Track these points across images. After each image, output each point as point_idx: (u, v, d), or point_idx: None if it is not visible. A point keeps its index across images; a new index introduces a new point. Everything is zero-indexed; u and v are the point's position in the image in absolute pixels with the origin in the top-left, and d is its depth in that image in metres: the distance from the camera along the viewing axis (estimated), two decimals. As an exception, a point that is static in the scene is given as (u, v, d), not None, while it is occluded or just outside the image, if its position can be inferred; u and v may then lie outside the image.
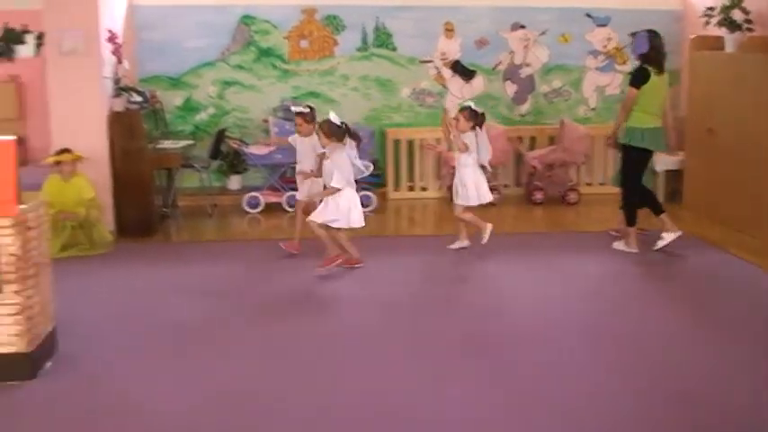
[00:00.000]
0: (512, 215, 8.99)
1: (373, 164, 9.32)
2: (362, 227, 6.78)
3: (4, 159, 4.51)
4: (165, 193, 8.71)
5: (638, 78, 7.00)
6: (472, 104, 7.23)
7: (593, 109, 10.23)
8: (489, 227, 7.29)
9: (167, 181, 8.78)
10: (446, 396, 4.40)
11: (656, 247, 7.14)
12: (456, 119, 7.23)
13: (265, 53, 9.64)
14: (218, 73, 9.61)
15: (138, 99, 8.14)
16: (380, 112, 9.87)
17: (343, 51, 9.74)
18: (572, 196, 9.47)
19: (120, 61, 8.04)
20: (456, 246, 7.37)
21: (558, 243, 7.70)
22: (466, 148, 7.13)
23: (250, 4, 9.53)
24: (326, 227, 6.66)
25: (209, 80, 9.60)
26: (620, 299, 6.08)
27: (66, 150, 7.31)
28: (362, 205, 8.79)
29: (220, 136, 9.09)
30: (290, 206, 9.00)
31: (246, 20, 9.56)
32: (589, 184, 9.98)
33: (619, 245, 7.31)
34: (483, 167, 7.30)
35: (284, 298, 6.14)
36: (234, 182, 9.61)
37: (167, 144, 8.55)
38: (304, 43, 9.68)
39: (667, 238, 7.14)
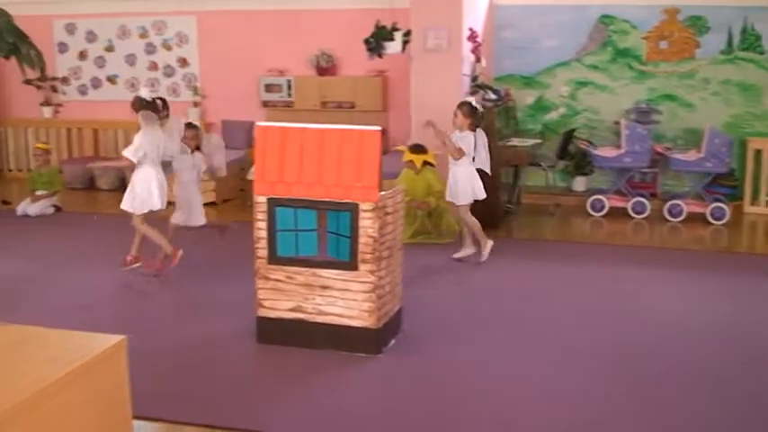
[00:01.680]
0: None
1: (730, 173, 8.83)
2: (162, 209, 6.58)
3: (370, 148, 4.86)
4: (511, 190, 8.87)
5: None
6: (472, 101, 6.98)
7: None
8: (490, 244, 7.05)
9: (513, 178, 8.93)
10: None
11: None
12: (454, 114, 6.90)
13: (622, 54, 9.43)
14: (572, 73, 9.58)
15: (493, 97, 8.36)
16: (742, 119, 9.23)
17: (704, 53, 9.24)
18: None
19: (478, 59, 8.31)
20: (461, 255, 7.08)
21: None
22: (460, 155, 6.84)
23: (609, 4, 9.36)
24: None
25: (562, 80, 9.61)
26: None
27: (418, 146, 7.66)
28: (714, 218, 8.39)
29: (569, 136, 9.07)
30: (636, 212, 8.76)
31: (605, 19, 9.42)
32: None
33: None
34: (482, 171, 7.07)
35: (617, 305, 5.99)
36: (579, 183, 9.53)
37: (516, 142, 8.69)
38: (663, 44, 9.32)
39: None
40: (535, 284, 6.45)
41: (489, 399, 4.41)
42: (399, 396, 4.47)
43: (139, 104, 6.48)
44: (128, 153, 6.43)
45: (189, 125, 6.91)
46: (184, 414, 4.25)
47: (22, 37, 3.12)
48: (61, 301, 6.02)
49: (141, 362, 3.64)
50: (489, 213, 8.12)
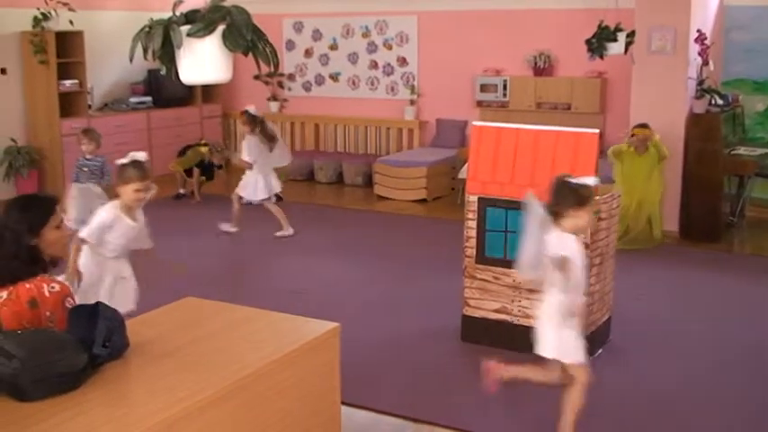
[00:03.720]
0: None
1: None
2: None
3: (586, 151, 4.77)
4: (734, 201, 8.39)
5: None
6: (250, 109, 7.64)
7: None
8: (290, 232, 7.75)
9: (738, 188, 8.44)
10: None
11: None
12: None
13: None
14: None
15: (720, 102, 7.96)
16: None
17: None
18: None
19: (705, 62, 7.92)
20: (280, 234, 7.69)
21: None
22: (248, 165, 7.61)
23: None
24: None
25: (798, 86, 8.96)
26: None
27: (643, 124, 7.43)
28: None
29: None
30: None
31: None
32: None
33: None
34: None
35: None
36: (811, 197, 8.85)
37: (743, 150, 8.23)
38: None
39: None
40: (754, 304, 6.07)
41: (690, 422, 4.21)
42: (602, 405, 4.36)
43: None
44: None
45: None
46: (387, 404, 4.36)
47: (259, 34, 3.31)
48: (277, 285, 6.34)
49: (348, 350, 3.76)
50: (710, 225, 7.76)
